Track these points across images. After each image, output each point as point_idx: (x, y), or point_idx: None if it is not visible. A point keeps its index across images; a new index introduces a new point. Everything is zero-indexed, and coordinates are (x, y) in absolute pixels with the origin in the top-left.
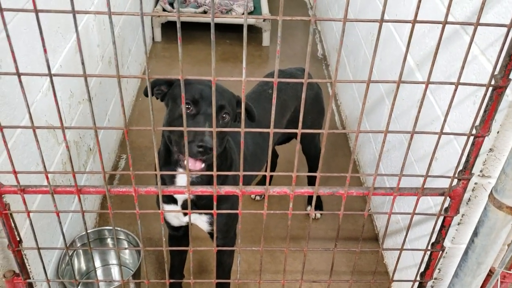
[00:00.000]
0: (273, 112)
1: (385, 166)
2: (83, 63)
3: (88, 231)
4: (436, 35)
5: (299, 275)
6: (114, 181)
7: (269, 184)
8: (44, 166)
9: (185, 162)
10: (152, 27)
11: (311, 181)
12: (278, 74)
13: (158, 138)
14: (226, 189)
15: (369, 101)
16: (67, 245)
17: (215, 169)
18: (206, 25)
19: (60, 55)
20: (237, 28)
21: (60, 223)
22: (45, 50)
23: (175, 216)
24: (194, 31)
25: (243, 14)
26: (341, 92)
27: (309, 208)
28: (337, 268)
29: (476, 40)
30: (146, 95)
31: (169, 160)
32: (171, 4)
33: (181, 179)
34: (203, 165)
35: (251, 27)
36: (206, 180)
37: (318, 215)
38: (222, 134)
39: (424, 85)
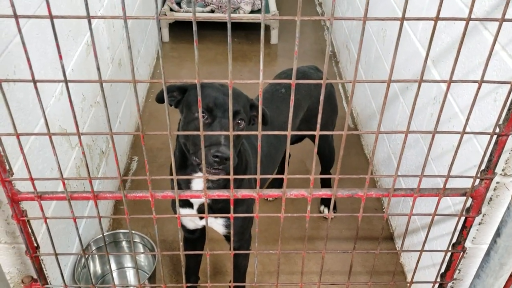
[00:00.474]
0: (290, 114)
1: (401, 165)
2: (98, 69)
3: (102, 231)
4: (452, 31)
5: (314, 275)
6: (127, 184)
7: (281, 185)
8: (61, 173)
9: (202, 167)
10: (160, 27)
11: (325, 180)
12: (290, 73)
13: (173, 142)
14: (243, 193)
15: (381, 98)
16: (83, 246)
17: (231, 172)
18: (215, 24)
19: (72, 59)
20: (245, 26)
21: (77, 228)
22: (60, 57)
23: (190, 219)
24: (203, 30)
25: (250, 12)
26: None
27: (322, 207)
28: (353, 269)
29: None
30: (159, 102)
31: (184, 164)
32: (178, 4)
33: (197, 183)
34: (221, 173)
35: (258, 25)
36: (222, 184)
37: (332, 215)
38: (237, 139)
39: (445, 83)
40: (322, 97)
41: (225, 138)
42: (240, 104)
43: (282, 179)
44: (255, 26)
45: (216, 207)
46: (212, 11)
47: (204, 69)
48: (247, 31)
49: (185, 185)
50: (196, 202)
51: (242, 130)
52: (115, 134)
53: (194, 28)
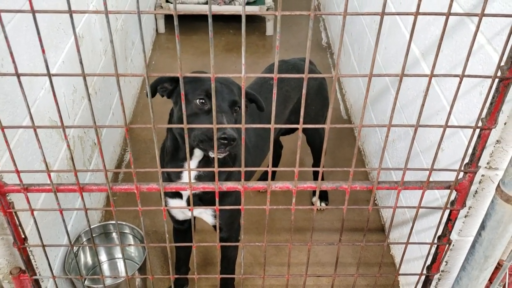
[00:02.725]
0: (273, 107)
1: (391, 157)
2: (81, 62)
3: (93, 227)
4: (441, 23)
5: (304, 267)
6: (120, 175)
7: (274, 176)
8: (46, 165)
9: (210, 154)
10: (156, 19)
11: (317, 172)
12: (281, 64)
13: (161, 135)
14: (228, 185)
15: (374, 90)
16: (73, 240)
17: (216, 165)
18: (211, 16)
19: (63, 51)
20: (241, 18)
21: (63, 220)
22: (43, 51)
23: (180, 210)
24: (198, 21)
25: (246, 3)
26: (346, 80)
27: (314, 199)
28: (343, 260)
29: (482, 29)
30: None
31: (176, 156)
32: None
33: (191, 174)
34: (227, 152)
35: (254, 17)
36: (212, 174)
37: (324, 205)
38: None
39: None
40: (304, 91)
41: (226, 120)
42: (236, 93)
43: (274, 173)
44: (250, 18)
45: (206, 197)
46: (207, 3)
47: (199, 61)
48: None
49: (176, 175)
50: (185, 193)
51: (239, 117)
52: (99, 127)
53: (176, 23)
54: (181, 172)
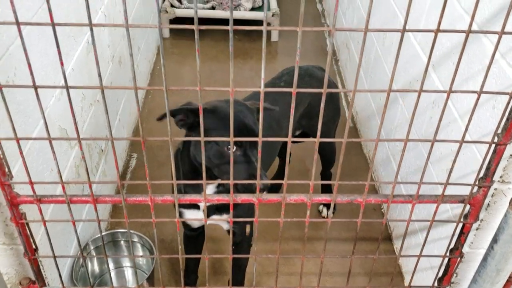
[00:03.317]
0: (291, 122)
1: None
2: (99, 75)
3: (101, 236)
4: (453, 36)
5: (313, 276)
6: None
7: (281, 185)
8: (60, 176)
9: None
10: (160, 23)
11: (324, 179)
12: (294, 70)
13: (175, 148)
14: (242, 198)
15: (381, 99)
16: (81, 248)
17: (231, 178)
18: (215, 21)
19: (72, 58)
20: (246, 23)
21: (76, 231)
22: (61, 63)
23: (195, 217)
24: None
25: (251, 9)
26: (351, 87)
27: (321, 207)
28: (352, 270)
29: (495, 42)
30: (160, 119)
31: (196, 173)
32: (179, 0)
33: (210, 188)
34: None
35: (259, 22)
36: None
37: (330, 214)
38: None
39: (445, 92)
40: (322, 105)
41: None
42: (253, 121)
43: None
44: (256, 23)
45: (222, 204)
46: (213, 8)
47: (205, 67)
48: (247, 29)
49: (194, 188)
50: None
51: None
52: (115, 140)
53: (196, 36)
54: (199, 184)
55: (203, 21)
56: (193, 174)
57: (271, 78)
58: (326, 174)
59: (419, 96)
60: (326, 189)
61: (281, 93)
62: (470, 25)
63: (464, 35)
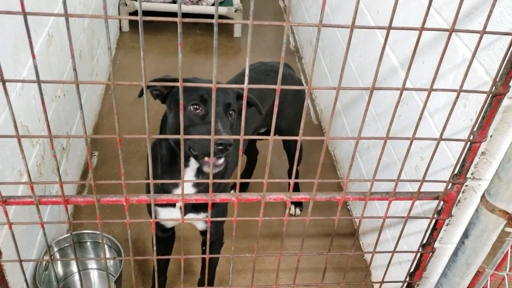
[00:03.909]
0: (273, 120)
1: (365, 164)
2: (75, 69)
3: (65, 236)
4: (423, 34)
5: (282, 273)
6: (86, 180)
7: (247, 184)
8: (29, 177)
9: (206, 161)
10: (108, 26)
11: (291, 176)
12: (259, 66)
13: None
14: (221, 197)
15: (347, 97)
16: (43, 251)
17: (211, 177)
18: (176, 15)
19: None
20: (208, 18)
21: (45, 234)
22: (33, 56)
23: (170, 217)
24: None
25: (213, 4)
26: (316, 85)
27: (292, 207)
28: (319, 265)
29: (467, 43)
30: (140, 96)
31: (174, 165)
32: None
33: (187, 184)
34: (222, 159)
35: (221, 17)
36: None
37: (298, 212)
38: (231, 129)
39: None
40: (306, 103)
41: (222, 126)
42: (231, 96)
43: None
44: (219, 18)
45: (198, 204)
46: (174, 2)
47: (165, 62)
48: (210, 23)
49: (173, 185)
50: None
51: (234, 120)
52: (89, 137)
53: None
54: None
55: (163, 15)
56: (172, 161)
57: (235, 75)
58: (294, 172)
59: (371, 94)
60: (294, 187)
61: (249, 90)
62: (454, 23)
63: (437, 34)
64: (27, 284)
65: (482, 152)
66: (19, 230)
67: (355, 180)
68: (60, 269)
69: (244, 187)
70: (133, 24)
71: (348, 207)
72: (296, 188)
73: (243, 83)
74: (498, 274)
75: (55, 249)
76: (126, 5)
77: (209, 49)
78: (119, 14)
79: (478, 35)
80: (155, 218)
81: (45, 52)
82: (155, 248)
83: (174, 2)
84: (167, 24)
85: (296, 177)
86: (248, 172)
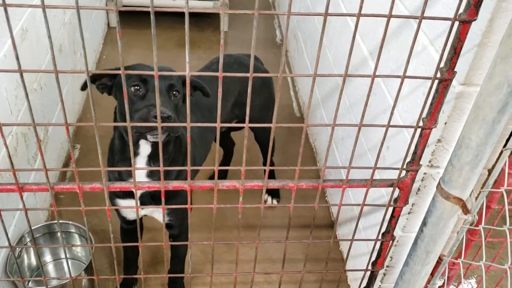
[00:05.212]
0: (219, 105)
1: (341, 154)
2: (17, 58)
3: (37, 227)
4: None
5: (256, 264)
6: (68, 173)
7: (226, 174)
8: (11, 163)
9: (148, 137)
10: (107, 12)
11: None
12: (224, 58)
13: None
14: (174, 184)
15: (325, 88)
16: (16, 241)
17: (161, 164)
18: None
19: (4, 45)
20: (194, 13)
21: (2, 221)
22: (14, 47)
23: (131, 210)
24: (150, 15)
25: None
26: (299, 78)
27: (266, 196)
28: (293, 256)
29: (425, 31)
30: (84, 89)
31: (126, 154)
32: None
33: (140, 172)
34: (164, 133)
35: (208, 12)
36: (165, 171)
37: (275, 202)
38: (175, 111)
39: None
40: (249, 90)
41: (161, 102)
42: (174, 78)
43: (228, 163)
44: (205, 13)
45: (158, 195)
46: None
47: (150, 55)
48: (196, 17)
49: (128, 174)
50: (138, 192)
51: (178, 102)
52: (70, 125)
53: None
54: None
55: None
56: (123, 149)
57: (202, 67)
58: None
59: (343, 82)
60: (270, 177)
61: (210, 83)
62: (391, 9)
63: (399, 23)
64: None
65: (439, 140)
66: None
67: (309, 168)
68: (33, 259)
69: (223, 178)
70: (121, 19)
71: (326, 198)
72: (272, 177)
73: (208, 69)
74: (455, 261)
75: (27, 239)
76: (113, 0)
77: (195, 43)
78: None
79: (435, 23)
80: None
81: (18, 46)
82: (111, 235)
83: None
84: (155, 19)
85: (272, 166)
86: (225, 164)
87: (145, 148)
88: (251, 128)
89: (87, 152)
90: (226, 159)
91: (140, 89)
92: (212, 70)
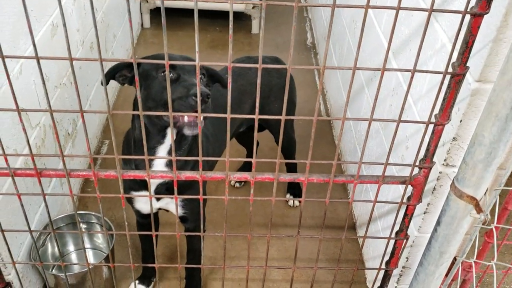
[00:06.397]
0: (229, 96)
1: (364, 154)
2: (69, 48)
3: (61, 216)
4: (410, 23)
5: (275, 261)
6: (96, 166)
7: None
8: (3, 149)
9: (185, 122)
10: (141, 13)
11: (290, 169)
12: (244, 60)
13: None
14: (186, 175)
15: (352, 90)
16: (41, 228)
17: (173, 154)
18: (198, 12)
19: (34, 39)
20: (227, 15)
21: (22, 205)
22: (30, 31)
23: (146, 202)
24: (184, 17)
25: None
26: (327, 81)
27: (288, 195)
28: (313, 256)
29: (444, 28)
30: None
31: (149, 144)
32: None
33: (159, 161)
34: (202, 122)
35: (240, 14)
36: (182, 163)
37: (297, 203)
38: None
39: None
40: (259, 81)
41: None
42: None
43: (251, 165)
44: (237, 15)
45: (173, 188)
46: None
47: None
48: (228, 20)
49: (144, 165)
50: (153, 184)
51: (206, 85)
52: (85, 112)
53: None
54: (152, 160)
55: (184, 11)
56: (147, 140)
57: (223, 67)
58: (289, 166)
59: (382, 75)
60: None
61: (233, 80)
62: (432, 5)
63: (421, 21)
64: (10, 254)
65: (454, 138)
66: (14, 206)
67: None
68: (56, 249)
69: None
70: (154, 20)
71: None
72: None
73: (224, 76)
74: (467, 261)
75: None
76: (147, 1)
77: (226, 45)
78: (140, 11)
79: (453, 19)
80: (129, 198)
81: (48, 41)
82: (126, 223)
83: None
84: (188, 21)
85: (294, 168)
86: (246, 164)
87: (170, 137)
88: (270, 131)
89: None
90: (249, 160)
91: (171, 73)
92: (226, 72)
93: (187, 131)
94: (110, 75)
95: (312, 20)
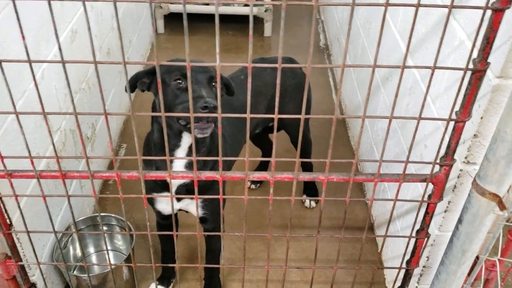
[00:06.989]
0: (248, 96)
1: (380, 153)
2: (93, 53)
3: (82, 218)
4: (427, 21)
5: (293, 262)
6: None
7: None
8: (29, 151)
9: (195, 126)
10: (155, 19)
11: (307, 171)
12: (259, 61)
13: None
14: (206, 175)
15: (365, 91)
16: (64, 229)
17: (194, 154)
18: (210, 16)
19: (55, 44)
20: (240, 19)
21: (47, 207)
22: (56, 35)
23: (166, 204)
24: (198, 22)
25: (245, 5)
26: (342, 82)
27: (304, 197)
28: (331, 257)
29: (462, 25)
30: (129, 91)
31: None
32: None
33: (178, 163)
34: (211, 126)
35: (253, 17)
36: (203, 162)
37: (313, 204)
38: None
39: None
40: (278, 80)
41: (206, 93)
42: (211, 70)
43: (267, 166)
44: (248, 19)
45: (194, 188)
46: (207, 4)
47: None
48: (242, 24)
49: (166, 167)
50: (174, 184)
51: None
52: (109, 115)
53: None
54: (172, 161)
55: (198, 16)
56: (163, 142)
57: (233, 72)
58: (304, 165)
59: (402, 72)
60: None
61: (241, 87)
62: (452, 1)
63: (438, 19)
64: (35, 254)
65: (475, 135)
66: (38, 208)
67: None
68: (78, 251)
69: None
70: (168, 26)
71: (367, 202)
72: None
73: (239, 78)
74: (490, 259)
75: (73, 230)
76: (161, 7)
77: (239, 49)
78: (154, 16)
79: (472, 16)
80: (150, 199)
81: (68, 46)
82: (148, 223)
83: (207, 4)
84: (201, 25)
85: (310, 169)
86: (262, 164)
87: (186, 140)
88: (286, 131)
89: (134, 151)
90: (265, 161)
91: (182, 83)
92: (244, 73)
93: (198, 134)
94: (132, 83)
95: (324, 21)
